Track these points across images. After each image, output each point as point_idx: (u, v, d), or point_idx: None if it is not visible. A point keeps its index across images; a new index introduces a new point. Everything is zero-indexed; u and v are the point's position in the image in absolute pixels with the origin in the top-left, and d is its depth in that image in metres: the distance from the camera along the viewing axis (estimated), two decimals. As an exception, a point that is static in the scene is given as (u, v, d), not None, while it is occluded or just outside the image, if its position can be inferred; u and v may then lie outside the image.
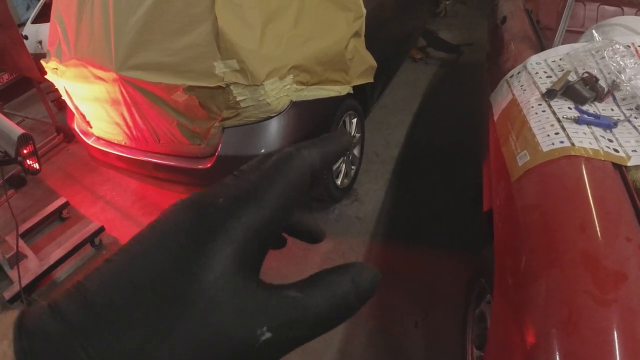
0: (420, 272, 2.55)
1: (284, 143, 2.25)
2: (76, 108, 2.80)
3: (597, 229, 1.20)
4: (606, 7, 3.15)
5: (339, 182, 2.98)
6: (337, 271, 0.27)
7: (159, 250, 0.25)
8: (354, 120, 3.06)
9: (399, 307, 2.38)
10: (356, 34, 2.58)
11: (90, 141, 2.84)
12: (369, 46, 2.77)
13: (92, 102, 2.56)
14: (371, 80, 2.93)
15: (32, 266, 2.82)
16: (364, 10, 2.62)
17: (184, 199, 0.28)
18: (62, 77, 2.61)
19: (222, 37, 1.96)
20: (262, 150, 2.21)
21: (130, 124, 2.47)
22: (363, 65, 2.76)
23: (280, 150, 0.30)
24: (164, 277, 0.24)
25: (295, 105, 2.26)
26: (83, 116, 2.80)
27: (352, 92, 2.72)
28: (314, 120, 2.43)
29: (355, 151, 3.25)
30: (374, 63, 2.86)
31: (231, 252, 0.25)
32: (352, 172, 3.23)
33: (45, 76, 2.79)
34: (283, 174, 0.29)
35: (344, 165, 3.03)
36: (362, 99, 3.10)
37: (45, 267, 2.79)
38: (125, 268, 0.25)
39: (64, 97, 2.82)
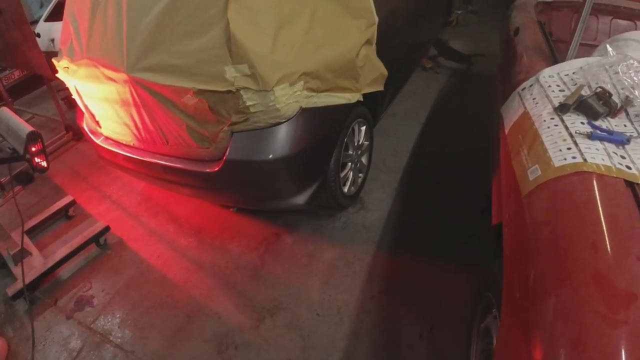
0: (426, 283, 2.53)
1: (293, 149, 2.24)
2: (86, 107, 2.81)
3: (609, 247, 1.18)
4: (619, 21, 3.14)
5: (346, 189, 2.96)
6: None
7: None
8: (363, 128, 3.04)
9: (403, 318, 2.36)
10: (368, 42, 2.57)
11: (99, 141, 2.85)
12: (380, 54, 2.76)
13: (102, 102, 2.57)
14: (381, 88, 2.91)
15: (36, 263, 2.82)
16: (376, 19, 2.61)
17: None
18: (73, 76, 2.62)
19: (233, 42, 1.95)
20: (270, 156, 2.20)
21: (140, 125, 2.47)
22: (374, 74, 2.74)
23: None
24: None
25: (304, 111, 2.25)
26: (92, 116, 2.81)
27: (362, 99, 2.71)
28: (323, 127, 2.42)
29: (363, 159, 3.23)
30: (384, 71, 2.85)
31: None
32: (360, 180, 3.21)
33: (57, 75, 2.80)
34: None
35: (351, 173, 3.02)
36: (371, 107, 3.09)
37: (50, 264, 2.79)
38: None
39: (75, 96, 2.83)
